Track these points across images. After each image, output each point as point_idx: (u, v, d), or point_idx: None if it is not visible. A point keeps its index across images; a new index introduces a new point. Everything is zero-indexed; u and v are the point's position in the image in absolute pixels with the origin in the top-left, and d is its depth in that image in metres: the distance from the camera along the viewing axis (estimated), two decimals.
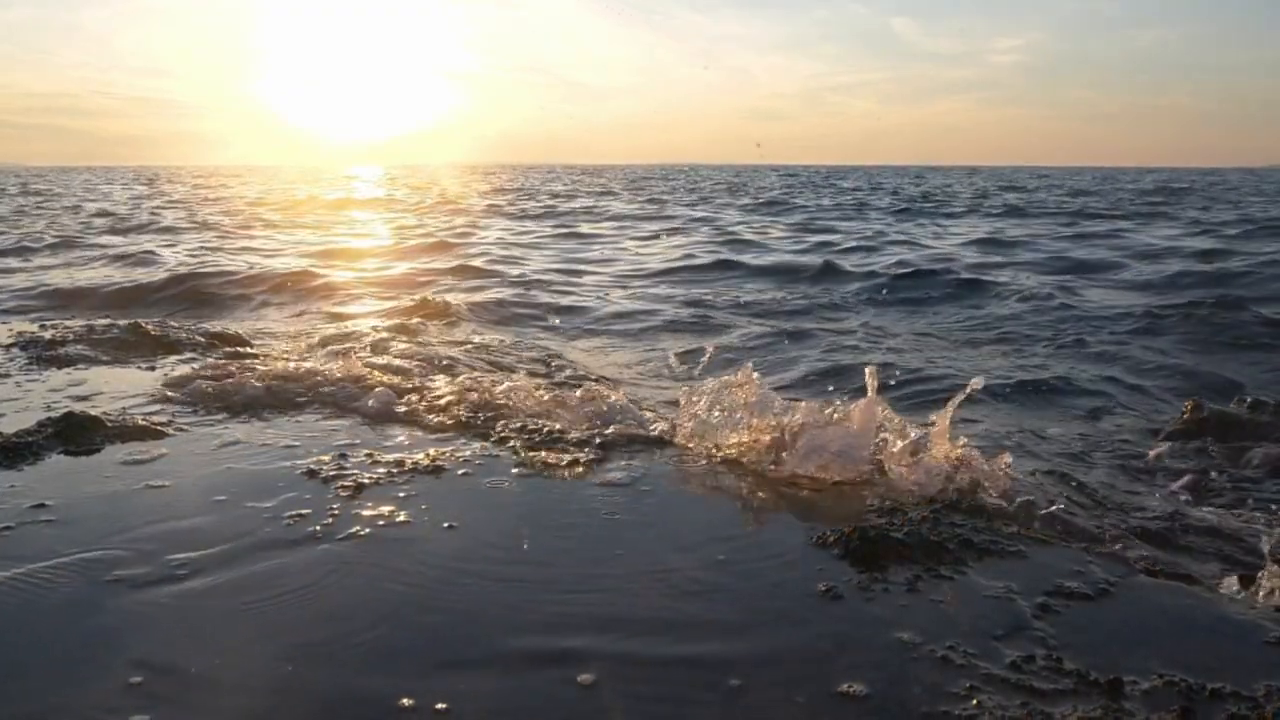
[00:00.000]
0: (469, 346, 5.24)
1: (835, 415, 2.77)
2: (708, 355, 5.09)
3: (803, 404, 2.88)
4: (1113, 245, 12.20)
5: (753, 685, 1.68)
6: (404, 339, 5.52)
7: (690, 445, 3.12)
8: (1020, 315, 6.47)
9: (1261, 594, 2.10)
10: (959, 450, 2.61)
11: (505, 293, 6.76)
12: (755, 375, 3.01)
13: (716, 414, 3.03)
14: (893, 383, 4.33)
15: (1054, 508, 2.57)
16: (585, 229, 15.62)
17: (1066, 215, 18.65)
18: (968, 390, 2.67)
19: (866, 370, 2.77)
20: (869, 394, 2.73)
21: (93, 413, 3.25)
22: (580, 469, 2.88)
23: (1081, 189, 34.76)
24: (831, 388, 4.33)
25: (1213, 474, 3.03)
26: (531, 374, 4.45)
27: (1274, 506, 2.71)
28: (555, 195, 29.45)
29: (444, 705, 1.60)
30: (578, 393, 3.85)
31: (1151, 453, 3.24)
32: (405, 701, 1.61)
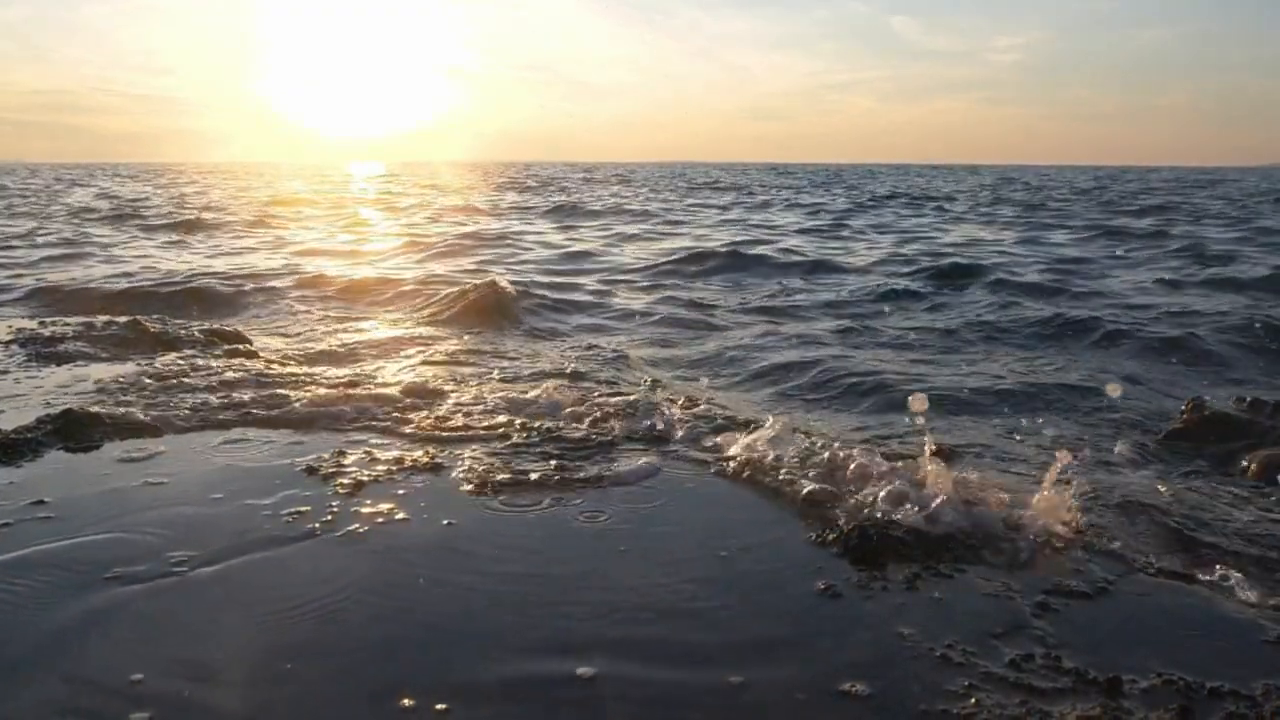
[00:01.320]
0: (478, 346, 5.24)
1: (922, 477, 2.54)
2: (712, 354, 5.09)
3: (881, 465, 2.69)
4: (1114, 244, 12.20)
5: (753, 683, 1.68)
6: (414, 340, 5.52)
7: (694, 451, 3.12)
8: (1019, 312, 6.47)
9: (1261, 594, 2.09)
10: (1067, 519, 2.41)
11: (518, 291, 6.75)
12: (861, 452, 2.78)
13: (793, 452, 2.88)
14: (870, 389, 4.32)
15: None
16: (589, 224, 15.62)
17: (1069, 214, 18.65)
18: (1060, 465, 2.45)
19: (911, 402, 2.65)
20: (927, 447, 2.55)
21: (92, 409, 3.25)
22: (583, 469, 2.87)
23: (1083, 188, 34.77)
24: (835, 389, 4.32)
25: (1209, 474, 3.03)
26: (538, 374, 4.45)
27: (1272, 506, 2.71)
28: (559, 192, 29.45)
29: (444, 705, 1.60)
30: (583, 393, 3.85)
31: (1116, 449, 3.23)
32: (405, 701, 1.61)
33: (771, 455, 2.90)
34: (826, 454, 2.85)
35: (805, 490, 2.63)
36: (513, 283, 7.09)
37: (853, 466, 2.72)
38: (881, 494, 2.51)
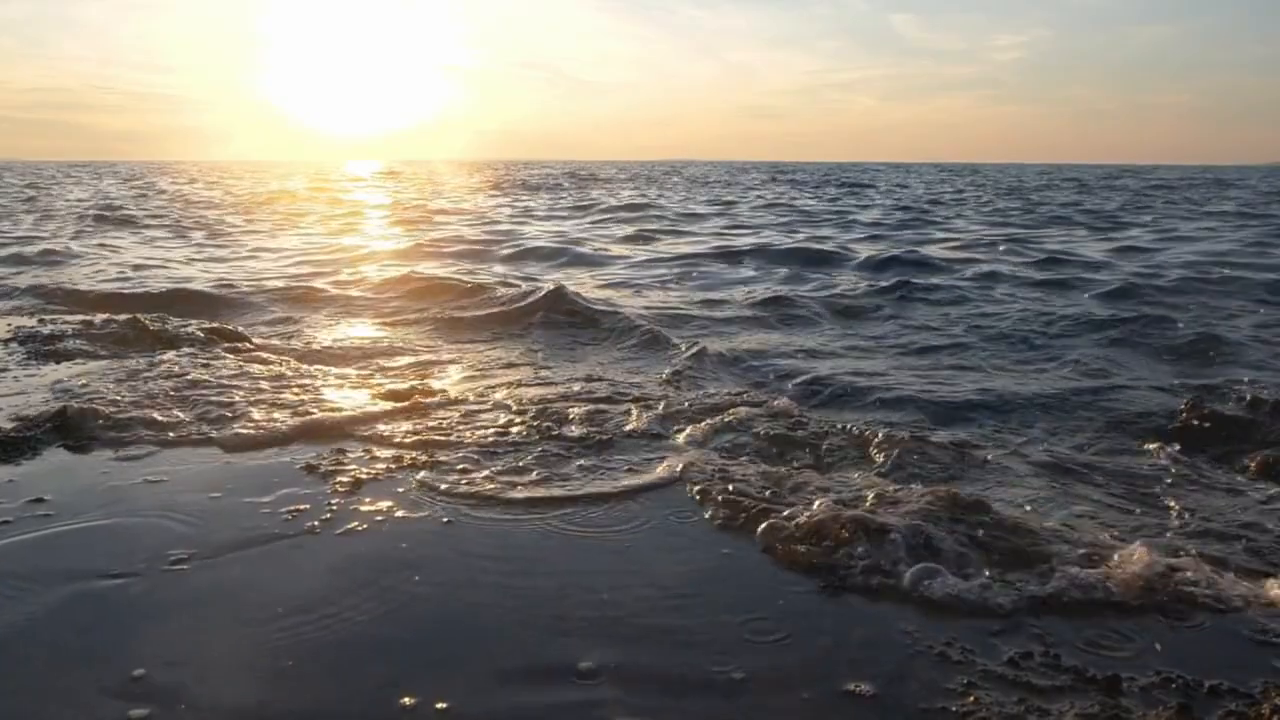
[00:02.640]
0: (487, 346, 5.24)
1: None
2: (722, 353, 5.10)
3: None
4: (1116, 242, 12.19)
5: (754, 680, 1.68)
6: (420, 340, 5.52)
7: (700, 453, 3.12)
8: (1020, 310, 6.47)
9: (1260, 594, 2.09)
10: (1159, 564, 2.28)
11: (527, 290, 6.74)
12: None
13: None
14: (874, 388, 4.32)
15: (1052, 507, 2.57)
16: (592, 222, 15.62)
17: (1072, 212, 18.65)
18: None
19: None
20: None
21: (91, 407, 3.25)
22: (588, 471, 2.87)
23: (1085, 185, 34.77)
24: (840, 390, 4.32)
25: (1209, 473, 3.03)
26: (542, 376, 4.45)
27: (1270, 507, 2.71)
28: (561, 190, 29.44)
29: (444, 705, 1.60)
30: (591, 394, 3.86)
31: (1116, 448, 3.22)
32: (406, 700, 1.61)
33: (778, 460, 2.90)
34: (822, 452, 2.86)
35: (809, 495, 2.63)
36: (520, 282, 7.08)
37: (856, 485, 2.73)
38: (878, 498, 2.52)
